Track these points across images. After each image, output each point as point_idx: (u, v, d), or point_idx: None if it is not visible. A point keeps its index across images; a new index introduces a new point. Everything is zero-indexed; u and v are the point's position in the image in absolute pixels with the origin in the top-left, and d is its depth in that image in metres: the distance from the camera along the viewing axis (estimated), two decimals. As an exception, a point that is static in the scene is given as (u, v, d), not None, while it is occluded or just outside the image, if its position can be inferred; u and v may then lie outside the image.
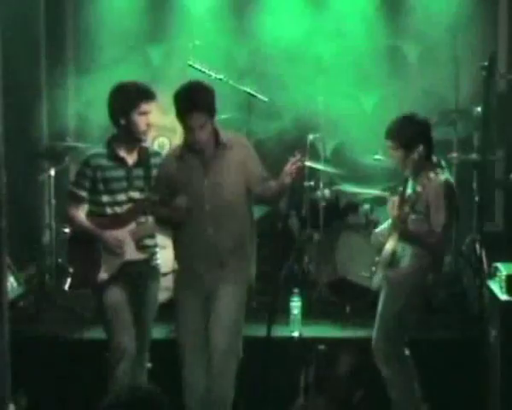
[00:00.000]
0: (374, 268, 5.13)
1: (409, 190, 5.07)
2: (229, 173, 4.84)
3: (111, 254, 5.06)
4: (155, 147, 6.66)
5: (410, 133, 5.07)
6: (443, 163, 5.18)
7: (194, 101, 4.75)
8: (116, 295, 5.06)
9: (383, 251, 5.07)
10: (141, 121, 5.01)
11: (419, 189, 4.88)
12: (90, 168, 5.05)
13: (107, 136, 5.23)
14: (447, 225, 5.01)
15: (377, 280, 5.14)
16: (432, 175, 4.92)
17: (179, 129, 6.46)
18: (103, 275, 5.06)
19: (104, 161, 5.06)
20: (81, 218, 5.11)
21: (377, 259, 5.11)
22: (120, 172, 5.07)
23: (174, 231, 5.05)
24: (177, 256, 5.09)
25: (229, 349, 4.83)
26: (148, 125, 5.06)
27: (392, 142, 5.11)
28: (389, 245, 5.04)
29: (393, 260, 5.03)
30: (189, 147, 4.87)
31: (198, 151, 4.85)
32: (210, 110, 4.78)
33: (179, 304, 5.01)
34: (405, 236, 5.01)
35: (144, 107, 5.00)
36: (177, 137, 7.00)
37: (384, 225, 5.30)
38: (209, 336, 4.86)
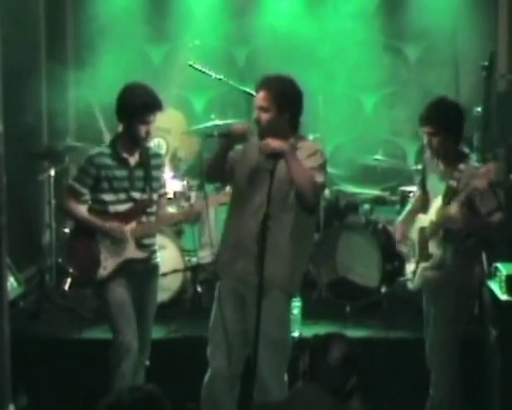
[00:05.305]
0: (412, 269, 5.02)
1: (436, 185, 4.93)
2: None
3: (110, 252, 5.08)
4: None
5: (452, 117, 4.88)
6: (466, 150, 5.01)
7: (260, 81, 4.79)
8: (120, 293, 5.07)
9: (426, 253, 4.90)
10: (141, 129, 5.02)
11: (453, 183, 4.75)
12: (94, 167, 5.07)
13: (105, 135, 5.23)
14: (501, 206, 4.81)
15: (418, 282, 5.00)
16: (462, 166, 4.76)
17: (173, 129, 6.44)
18: (103, 272, 5.07)
19: (108, 161, 5.08)
20: (82, 211, 5.13)
21: (416, 259, 4.98)
22: (123, 172, 5.09)
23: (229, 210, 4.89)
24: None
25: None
26: (148, 134, 5.06)
27: (432, 126, 4.85)
28: (435, 249, 4.87)
29: (441, 263, 4.88)
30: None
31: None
32: (278, 102, 4.65)
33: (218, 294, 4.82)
34: (475, 229, 4.80)
35: (148, 118, 5.01)
36: (172, 138, 6.99)
37: (404, 213, 5.21)
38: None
